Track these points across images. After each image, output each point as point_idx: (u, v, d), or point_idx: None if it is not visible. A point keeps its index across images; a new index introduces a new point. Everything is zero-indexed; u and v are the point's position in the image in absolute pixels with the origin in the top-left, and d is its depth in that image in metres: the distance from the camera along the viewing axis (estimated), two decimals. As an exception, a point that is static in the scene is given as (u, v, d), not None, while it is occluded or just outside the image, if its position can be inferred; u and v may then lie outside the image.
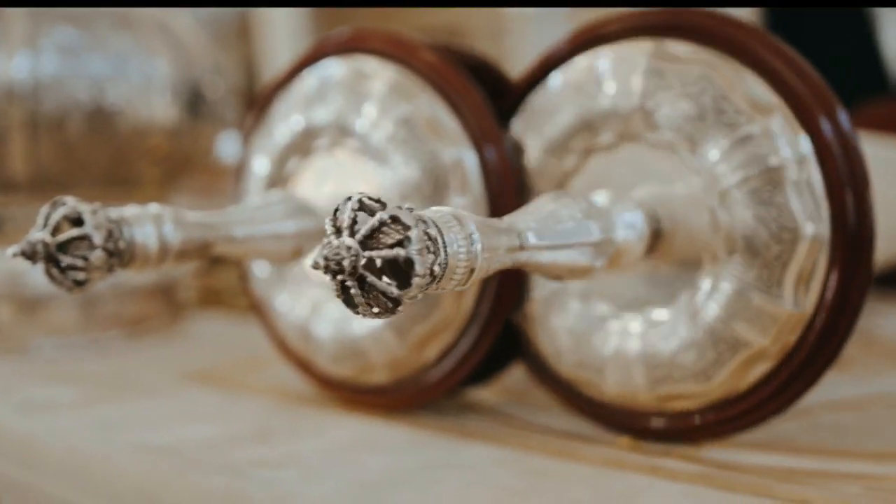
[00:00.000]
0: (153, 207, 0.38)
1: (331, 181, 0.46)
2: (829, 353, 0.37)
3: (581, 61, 0.41)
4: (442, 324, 0.43)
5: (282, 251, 0.42)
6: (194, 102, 0.70)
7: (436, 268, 0.26)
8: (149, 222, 0.37)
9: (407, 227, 0.26)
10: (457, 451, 0.41)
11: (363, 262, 0.25)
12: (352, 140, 0.45)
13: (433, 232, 0.26)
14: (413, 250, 0.26)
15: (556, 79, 0.41)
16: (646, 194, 0.38)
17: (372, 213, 0.26)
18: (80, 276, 0.35)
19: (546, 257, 0.32)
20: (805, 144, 0.36)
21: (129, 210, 0.37)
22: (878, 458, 0.38)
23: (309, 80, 0.47)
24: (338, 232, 0.26)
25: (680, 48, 0.38)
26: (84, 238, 0.34)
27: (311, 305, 0.47)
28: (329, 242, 0.26)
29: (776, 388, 0.37)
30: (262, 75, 1.54)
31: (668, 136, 0.37)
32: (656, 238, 0.38)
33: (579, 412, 0.43)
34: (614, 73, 0.39)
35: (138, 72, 0.67)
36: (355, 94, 0.44)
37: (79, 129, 0.65)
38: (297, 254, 0.43)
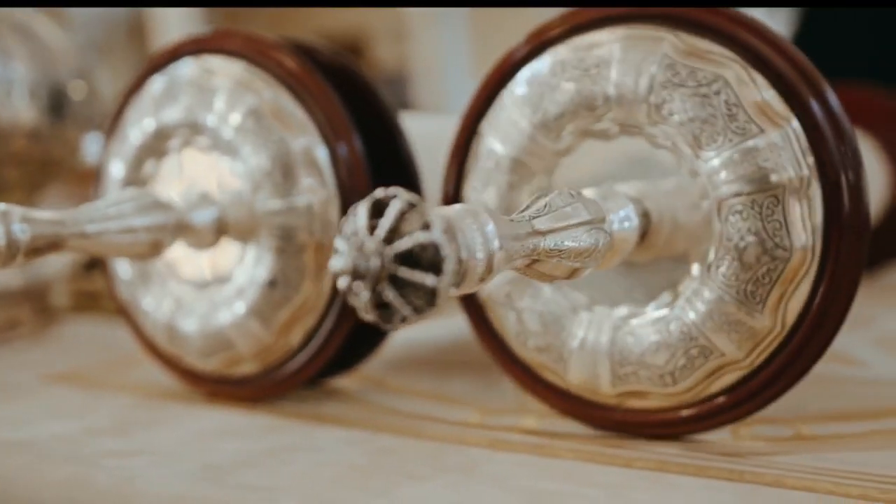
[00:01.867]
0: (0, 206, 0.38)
1: (186, 180, 0.47)
2: (800, 370, 0.36)
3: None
4: (304, 308, 0.44)
5: (137, 246, 0.43)
6: (57, 105, 0.69)
7: (462, 253, 0.25)
8: (-5, 220, 0.37)
9: (426, 213, 0.24)
10: (310, 434, 0.42)
11: (391, 257, 0.24)
12: (203, 137, 0.46)
13: (450, 217, 0.25)
14: (437, 233, 0.24)
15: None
16: (633, 188, 0.38)
17: (385, 209, 0.24)
18: (-75, 275, 0.34)
19: (556, 243, 0.30)
20: (808, 160, 0.35)
21: (-25, 209, 0.36)
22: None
23: (158, 82, 0.48)
24: (355, 235, 0.25)
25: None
26: (-72, 237, 0.34)
27: (175, 301, 0.48)
28: (350, 247, 0.24)
29: (739, 397, 0.37)
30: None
31: (672, 133, 0.36)
32: (644, 232, 0.37)
33: (537, 396, 0.42)
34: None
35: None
36: (203, 91, 0.45)
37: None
38: (157, 248, 0.44)
